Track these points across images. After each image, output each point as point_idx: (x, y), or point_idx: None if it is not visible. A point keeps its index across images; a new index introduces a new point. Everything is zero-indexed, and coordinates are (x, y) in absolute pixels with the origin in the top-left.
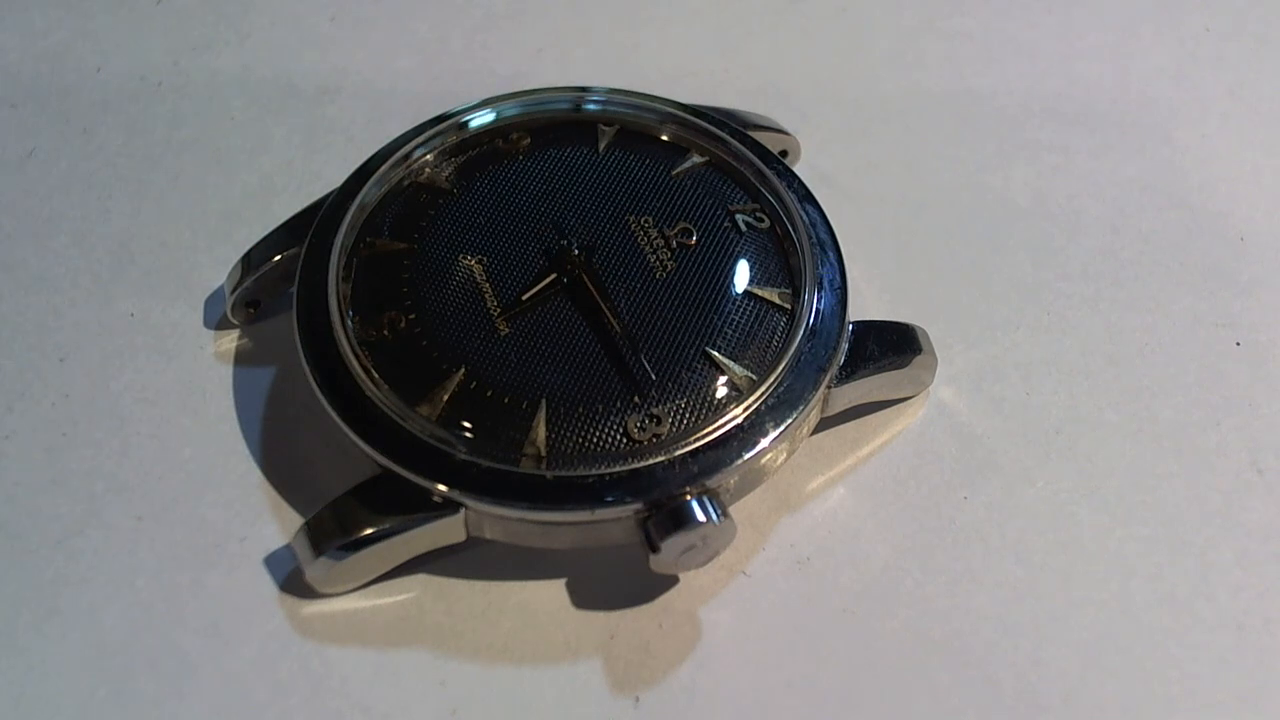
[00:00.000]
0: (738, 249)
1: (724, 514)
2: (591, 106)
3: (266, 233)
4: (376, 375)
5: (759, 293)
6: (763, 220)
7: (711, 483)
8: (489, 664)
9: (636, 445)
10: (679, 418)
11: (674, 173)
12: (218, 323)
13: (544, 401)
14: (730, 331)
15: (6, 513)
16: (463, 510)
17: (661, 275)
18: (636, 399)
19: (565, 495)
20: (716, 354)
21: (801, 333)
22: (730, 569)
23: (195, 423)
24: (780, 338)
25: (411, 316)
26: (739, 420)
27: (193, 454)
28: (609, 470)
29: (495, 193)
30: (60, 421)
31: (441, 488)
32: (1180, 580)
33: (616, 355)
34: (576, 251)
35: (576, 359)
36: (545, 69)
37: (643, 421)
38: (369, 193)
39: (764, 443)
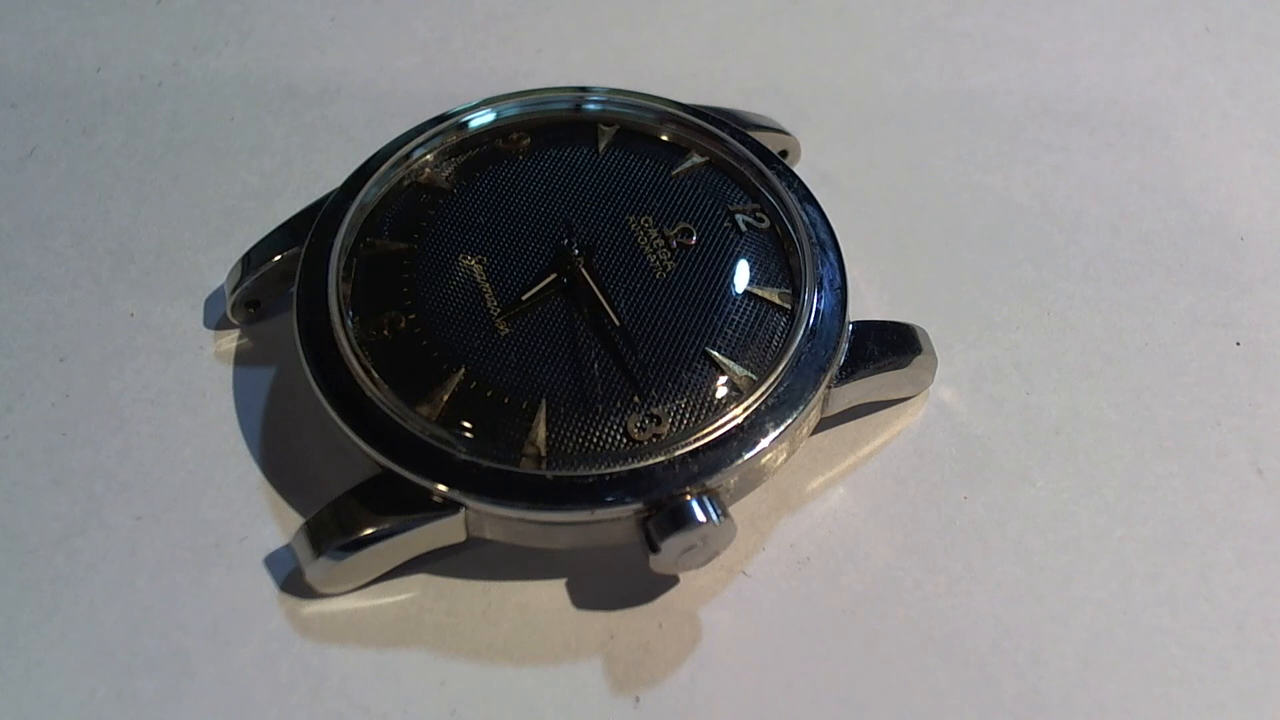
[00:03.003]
0: (738, 249)
1: (724, 514)
2: (591, 106)
3: (266, 233)
4: (376, 375)
5: (759, 293)
6: (763, 220)
7: (711, 483)
8: (489, 664)
9: (636, 445)
10: (679, 418)
11: (674, 173)
12: (218, 323)
13: (544, 401)
14: (730, 331)
15: (6, 513)
16: (463, 510)
17: (661, 275)
18: (636, 399)
19: (565, 495)
20: (716, 354)
21: (801, 333)
22: (730, 569)
23: (195, 423)
24: (780, 338)
25: (411, 316)
26: (739, 420)
27: (193, 454)
28: (609, 470)
29: (495, 193)
30: (60, 421)
31: (441, 488)
32: (1180, 580)
33: (616, 355)
34: (576, 251)
35: (576, 359)
36: (545, 69)
37: (643, 421)
38: (369, 193)
39: (764, 443)
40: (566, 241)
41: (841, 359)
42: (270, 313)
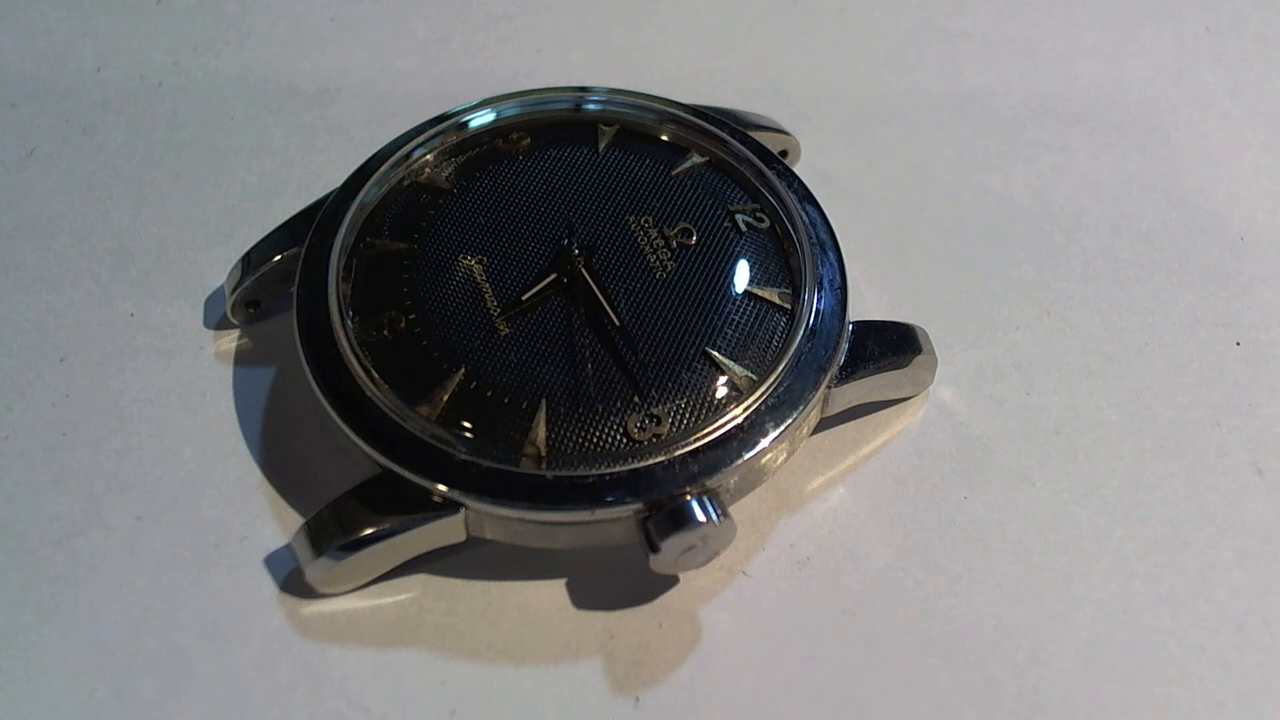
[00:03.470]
0: (738, 249)
1: (724, 514)
2: (591, 106)
3: (266, 233)
4: (376, 375)
5: (759, 293)
6: (763, 220)
7: (711, 483)
8: (489, 664)
9: (636, 445)
10: (679, 418)
11: (674, 173)
12: (218, 323)
13: (544, 401)
14: (730, 331)
15: (6, 513)
16: (463, 510)
17: (661, 275)
18: (636, 399)
19: (565, 495)
20: (716, 354)
21: (801, 333)
22: (730, 569)
23: (195, 423)
24: (780, 338)
25: (411, 316)
26: (739, 420)
27: (193, 454)
28: (609, 470)
29: (495, 193)
30: (60, 421)
31: (441, 488)
32: (1180, 580)
33: (616, 355)
34: (576, 251)
35: (576, 359)
36: (545, 69)
37: (643, 421)
38: (369, 193)
39: (764, 443)
40: (567, 241)
41: (841, 359)
42: (270, 313)
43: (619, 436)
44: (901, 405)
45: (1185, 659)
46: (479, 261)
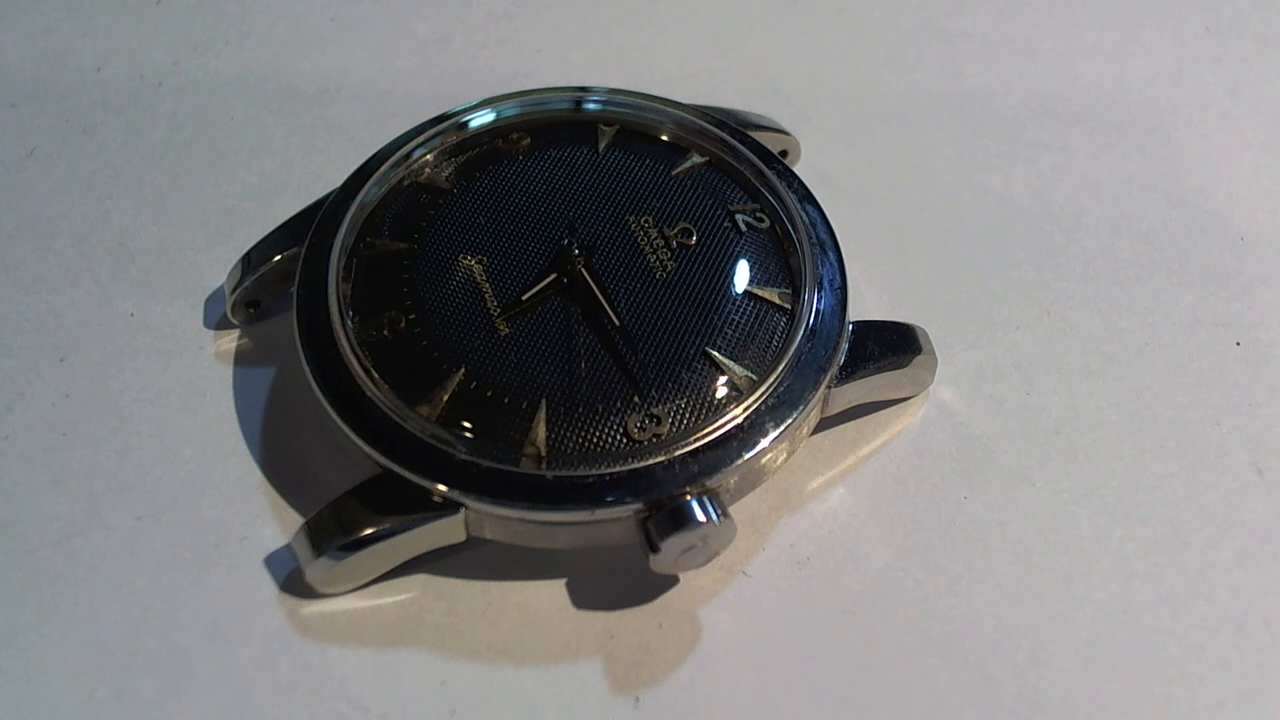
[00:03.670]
0: (738, 249)
1: (724, 514)
2: (591, 106)
3: (266, 233)
4: (376, 375)
5: (759, 293)
6: (763, 220)
7: (711, 483)
8: (489, 664)
9: (636, 445)
10: (679, 418)
11: (674, 173)
12: (218, 323)
13: (544, 401)
14: (730, 331)
15: (6, 513)
16: (463, 510)
17: (661, 275)
18: (636, 399)
19: (565, 495)
20: (716, 354)
21: (801, 333)
22: (730, 569)
23: (195, 423)
24: (780, 338)
25: (411, 316)
26: (739, 420)
27: (193, 454)
28: (609, 470)
29: (495, 193)
30: (60, 421)
31: (441, 488)
32: (1180, 580)
33: (616, 355)
34: (576, 251)
35: (576, 359)
36: (545, 69)
37: (643, 421)
38: (369, 193)
39: (764, 443)
40: (567, 241)
41: (841, 359)
42: (270, 313)
43: (619, 436)
44: (901, 405)
45: (1185, 659)
46: (479, 261)
